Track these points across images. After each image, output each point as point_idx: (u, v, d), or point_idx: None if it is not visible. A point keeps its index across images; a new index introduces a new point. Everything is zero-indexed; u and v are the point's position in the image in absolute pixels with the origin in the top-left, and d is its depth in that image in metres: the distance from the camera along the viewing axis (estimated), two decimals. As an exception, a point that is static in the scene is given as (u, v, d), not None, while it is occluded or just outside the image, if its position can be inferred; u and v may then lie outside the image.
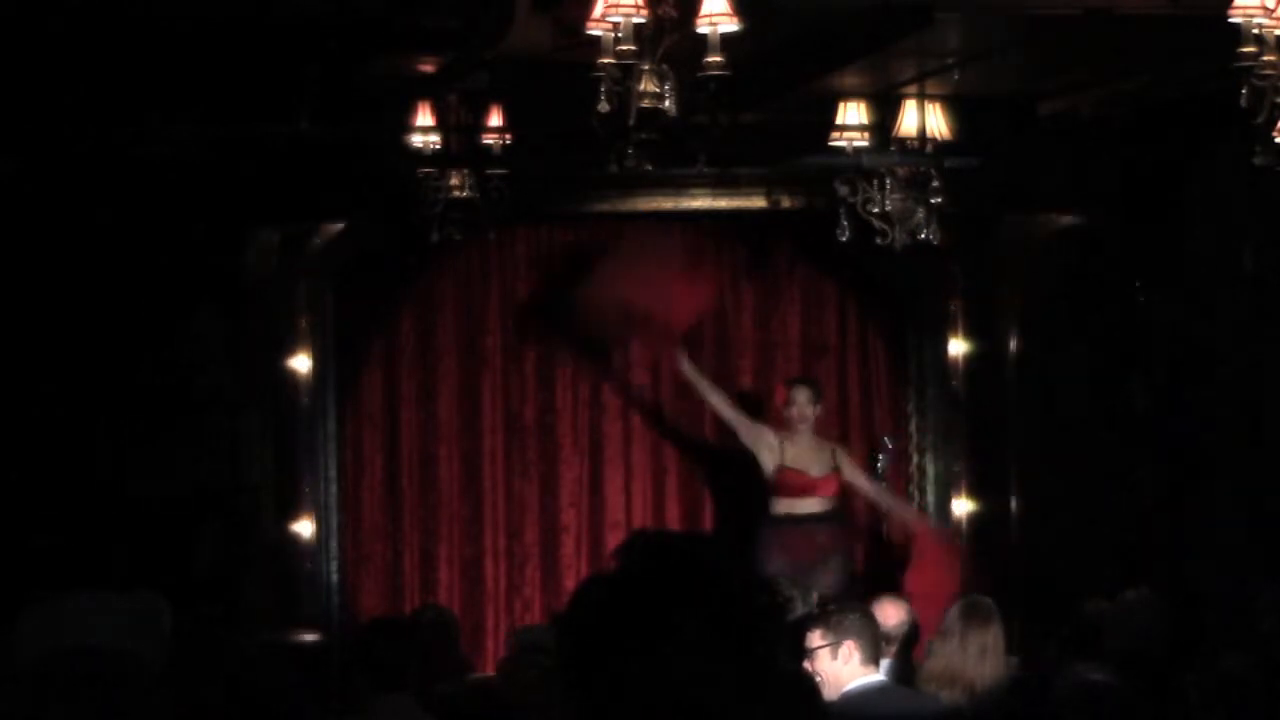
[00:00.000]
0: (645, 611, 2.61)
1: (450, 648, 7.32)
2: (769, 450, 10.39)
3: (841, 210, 9.18)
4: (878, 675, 6.19)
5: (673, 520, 11.24)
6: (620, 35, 6.26)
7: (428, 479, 11.24)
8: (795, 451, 10.36)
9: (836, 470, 10.38)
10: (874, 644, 6.21)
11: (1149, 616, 7.29)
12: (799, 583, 7.46)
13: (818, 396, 10.51)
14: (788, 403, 10.47)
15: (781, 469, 10.31)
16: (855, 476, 10.53)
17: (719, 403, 10.62)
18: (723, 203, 10.80)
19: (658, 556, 2.68)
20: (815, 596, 7.44)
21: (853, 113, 9.14)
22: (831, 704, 6.46)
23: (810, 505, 10.32)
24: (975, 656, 6.36)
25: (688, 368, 10.57)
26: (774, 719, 2.64)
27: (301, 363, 10.52)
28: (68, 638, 3.29)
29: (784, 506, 10.33)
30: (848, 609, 6.42)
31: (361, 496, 11.13)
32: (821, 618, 6.35)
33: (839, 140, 9.17)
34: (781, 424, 10.46)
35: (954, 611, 6.48)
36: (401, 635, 6.19)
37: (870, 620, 6.31)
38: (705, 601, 2.61)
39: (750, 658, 2.61)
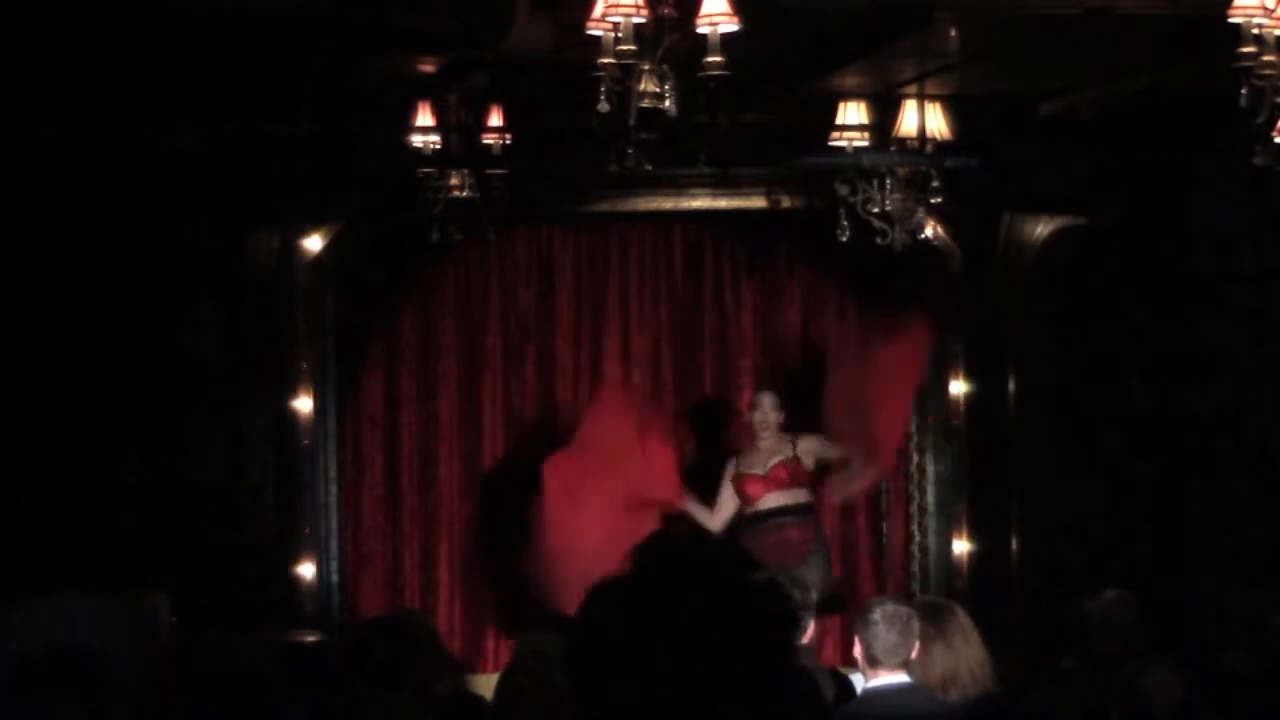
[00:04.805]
0: (656, 615, 2.61)
1: (440, 648, 7.31)
2: (730, 476, 10.32)
3: (841, 210, 9.17)
4: (898, 676, 6.17)
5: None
6: (620, 35, 6.27)
7: (428, 479, 11.24)
8: (748, 459, 10.30)
9: (794, 459, 10.26)
10: (884, 645, 6.19)
11: (1129, 616, 7.30)
12: (797, 580, 7.45)
13: (782, 402, 10.44)
14: (753, 407, 10.42)
15: (736, 478, 10.28)
16: (813, 447, 10.28)
17: (711, 514, 10.29)
18: (723, 203, 10.81)
19: (668, 561, 2.68)
20: (814, 595, 7.44)
21: (853, 113, 9.14)
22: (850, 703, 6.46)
23: (770, 500, 10.24)
24: (962, 646, 6.36)
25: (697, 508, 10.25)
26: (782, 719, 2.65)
27: (301, 363, 10.52)
28: (44, 638, 3.28)
29: (750, 508, 10.28)
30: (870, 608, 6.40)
31: (361, 496, 11.13)
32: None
33: (839, 140, 9.17)
34: (749, 431, 10.42)
35: (918, 622, 6.43)
36: (400, 635, 6.20)
37: (884, 621, 6.28)
38: (715, 605, 2.62)
39: (760, 660, 2.62)
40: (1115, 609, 7.38)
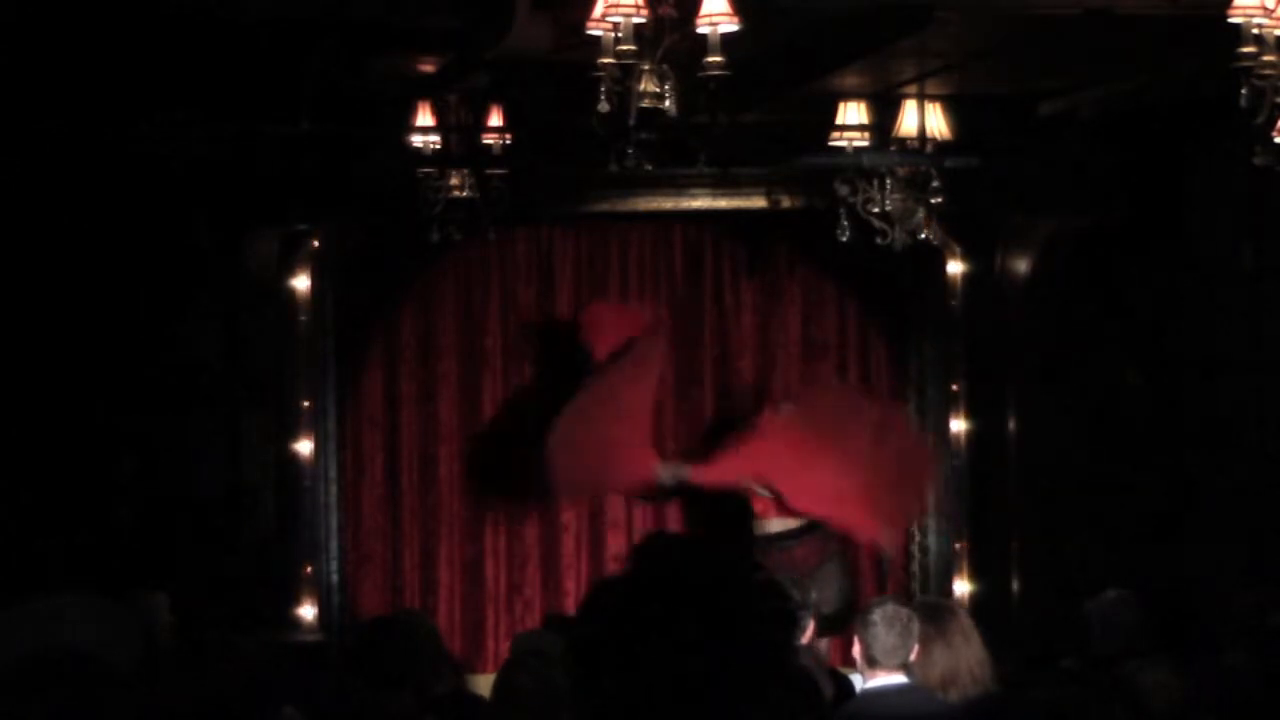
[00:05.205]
0: (656, 615, 2.61)
1: (440, 648, 7.33)
2: None
3: (841, 210, 9.17)
4: (896, 677, 6.17)
5: (674, 521, 11.23)
6: (620, 35, 6.27)
7: (428, 479, 11.24)
8: None
9: None
10: (884, 646, 6.19)
11: (1129, 616, 7.30)
12: (799, 582, 7.45)
13: None
14: None
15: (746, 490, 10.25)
16: None
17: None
18: (723, 203, 10.80)
19: (669, 560, 2.68)
20: (814, 595, 7.44)
21: (853, 113, 9.14)
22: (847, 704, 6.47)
23: (776, 525, 10.20)
24: (962, 646, 6.36)
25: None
26: (782, 718, 2.65)
27: (301, 363, 10.52)
28: (44, 638, 3.28)
29: (758, 527, 10.24)
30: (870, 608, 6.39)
31: (361, 496, 11.13)
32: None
33: (839, 140, 9.17)
34: None
35: (918, 622, 6.42)
36: (400, 635, 6.20)
37: (883, 622, 6.28)
38: (715, 605, 2.62)
39: (760, 660, 2.62)
40: (1115, 609, 7.38)
